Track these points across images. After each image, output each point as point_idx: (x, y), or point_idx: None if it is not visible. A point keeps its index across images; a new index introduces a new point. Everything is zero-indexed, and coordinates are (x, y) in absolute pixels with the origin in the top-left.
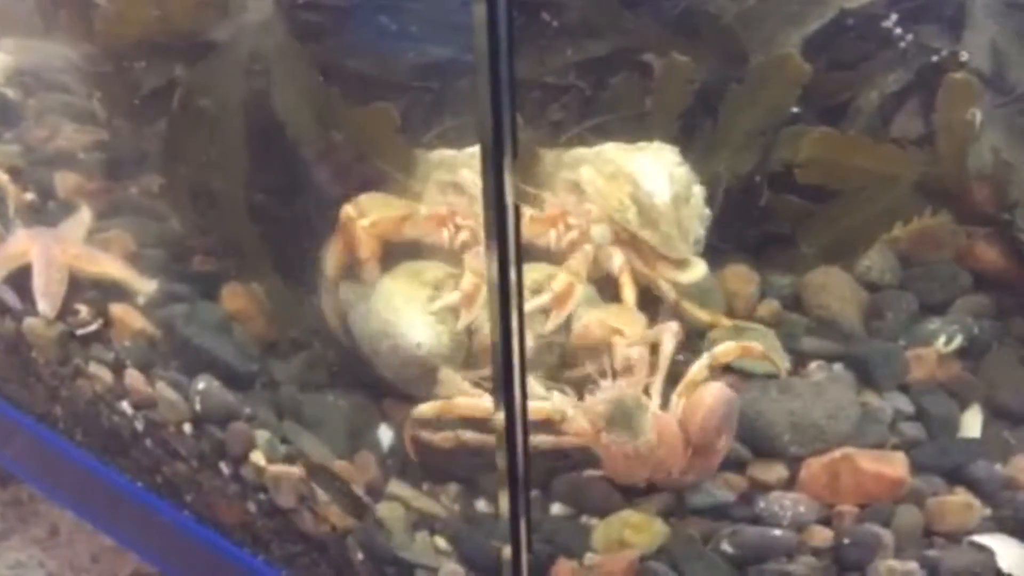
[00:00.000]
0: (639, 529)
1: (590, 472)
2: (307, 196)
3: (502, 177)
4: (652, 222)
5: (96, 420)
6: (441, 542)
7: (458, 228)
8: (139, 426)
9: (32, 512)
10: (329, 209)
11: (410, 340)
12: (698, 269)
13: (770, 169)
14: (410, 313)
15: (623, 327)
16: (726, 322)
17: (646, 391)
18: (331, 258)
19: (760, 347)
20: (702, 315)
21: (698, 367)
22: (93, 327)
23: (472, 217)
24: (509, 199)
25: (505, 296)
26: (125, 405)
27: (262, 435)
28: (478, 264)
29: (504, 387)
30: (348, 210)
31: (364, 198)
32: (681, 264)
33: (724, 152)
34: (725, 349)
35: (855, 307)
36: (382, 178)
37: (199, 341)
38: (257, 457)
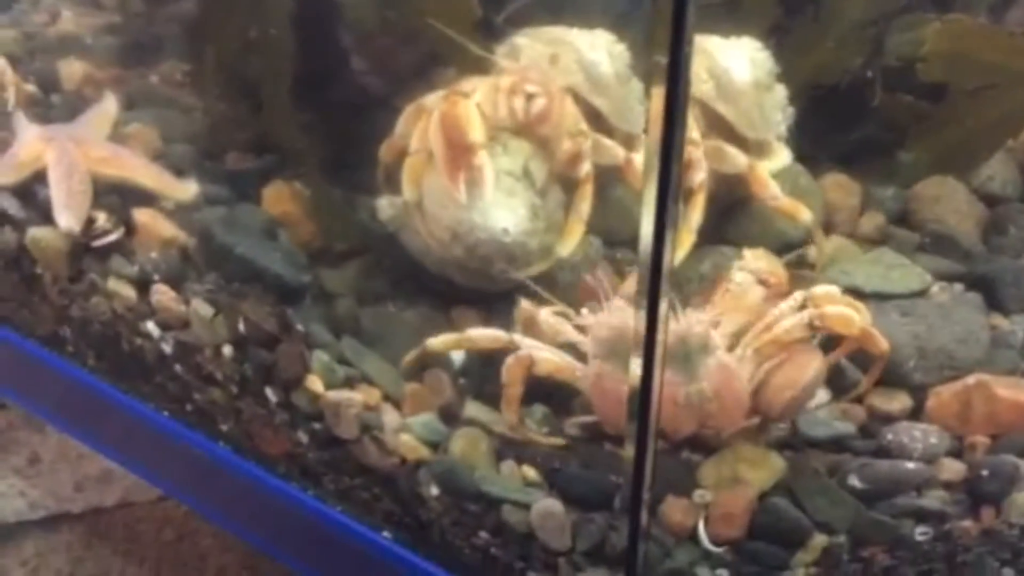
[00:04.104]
0: (754, 464)
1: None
2: (362, 81)
3: (678, 89)
4: (730, 97)
5: (114, 343)
6: (531, 472)
7: (530, 97)
8: (167, 349)
9: (11, 440)
10: (388, 95)
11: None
12: (782, 156)
13: (883, 64)
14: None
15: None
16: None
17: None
18: (417, 144)
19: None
20: (803, 214)
21: (794, 323)
22: (113, 237)
23: (543, 82)
24: (683, 120)
25: (663, 205)
26: (151, 326)
27: (318, 356)
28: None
29: (648, 310)
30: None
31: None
32: (763, 149)
33: (827, 44)
34: (843, 317)
35: (972, 222)
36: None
37: (242, 250)
38: (312, 382)
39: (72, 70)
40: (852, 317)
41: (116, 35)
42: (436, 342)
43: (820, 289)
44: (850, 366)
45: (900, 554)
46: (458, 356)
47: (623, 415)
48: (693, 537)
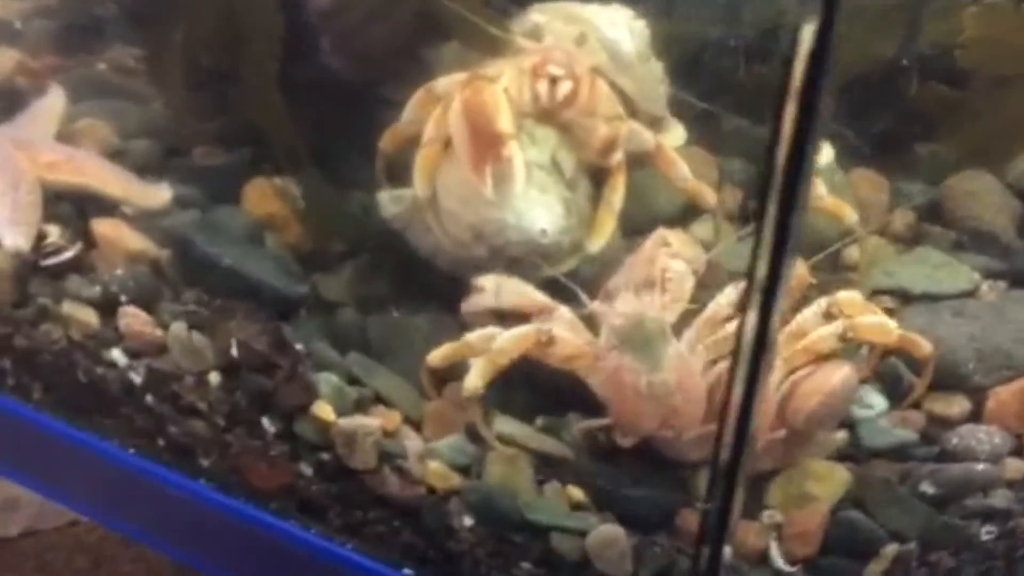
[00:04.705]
0: (821, 479)
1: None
2: (358, 62)
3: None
4: None
5: (68, 374)
6: (577, 493)
7: (554, 80)
8: (136, 378)
9: None
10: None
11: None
12: (825, 152)
13: (917, 52)
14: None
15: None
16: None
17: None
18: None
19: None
20: (849, 215)
21: (828, 333)
22: (68, 254)
23: (568, 64)
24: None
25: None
26: (116, 354)
27: (326, 379)
28: None
29: (762, 312)
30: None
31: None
32: None
33: (856, 32)
34: (878, 326)
35: (1007, 217)
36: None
37: (230, 261)
38: (321, 409)
39: (1, 60)
40: (887, 325)
41: (51, 18)
42: (435, 357)
43: (844, 295)
44: (907, 372)
45: (965, 555)
46: None
47: (639, 414)
48: (763, 559)
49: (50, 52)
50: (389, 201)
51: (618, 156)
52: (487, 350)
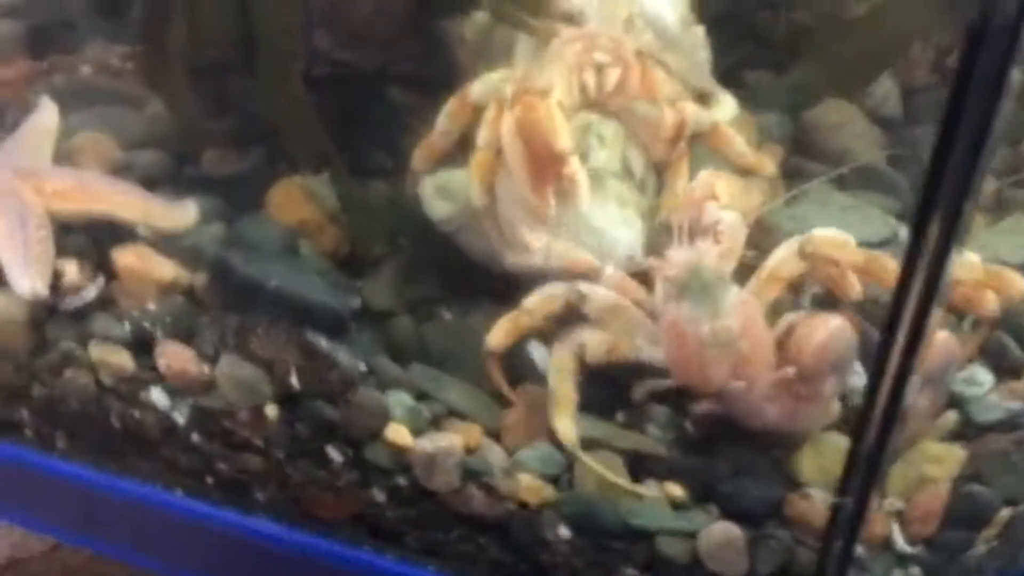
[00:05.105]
0: (939, 460)
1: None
2: (390, 50)
3: None
4: None
5: (98, 421)
6: (676, 490)
7: (600, 68)
8: (180, 419)
9: None
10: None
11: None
12: None
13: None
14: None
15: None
16: None
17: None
18: (486, 138)
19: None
20: None
21: None
22: (91, 293)
23: (614, 49)
24: None
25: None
26: (156, 394)
27: (398, 399)
28: None
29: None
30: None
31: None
32: None
33: None
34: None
35: None
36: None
37: (277, 283)
38: (397, 433)
39: None
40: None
41: (19, 18)
42: (496, 339)
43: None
44: (1012, 344)
45: None
46: (542, 358)
47: (705, 366)
48: (884, 545)
49: (23, 57)
50: (434, 194)
51: (682, 144)
52: (545, 309)
